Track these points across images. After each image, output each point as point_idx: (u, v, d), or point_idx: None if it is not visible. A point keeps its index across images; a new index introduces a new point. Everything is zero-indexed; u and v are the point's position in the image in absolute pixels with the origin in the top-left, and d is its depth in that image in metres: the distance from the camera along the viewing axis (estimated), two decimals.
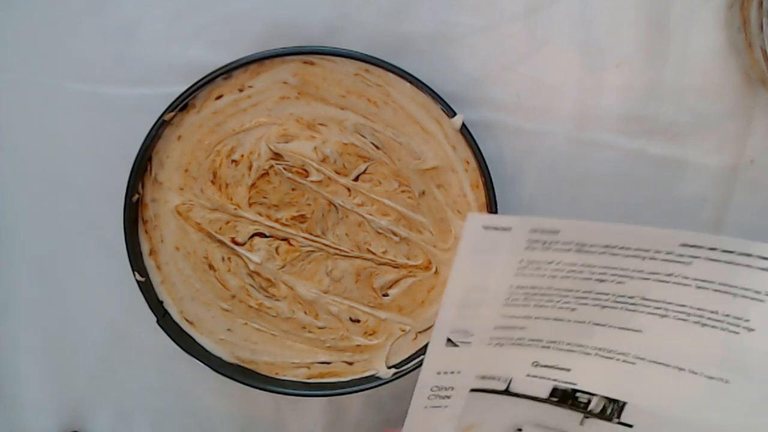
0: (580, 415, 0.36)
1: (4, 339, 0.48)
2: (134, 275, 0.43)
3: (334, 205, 0.43)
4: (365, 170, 0.42)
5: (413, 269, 0.43)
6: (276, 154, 0.42)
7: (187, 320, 0.44)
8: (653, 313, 0.33)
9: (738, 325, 0.32)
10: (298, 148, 0.42)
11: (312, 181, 0.42)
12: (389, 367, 0.44)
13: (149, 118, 0.41)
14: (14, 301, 0.47)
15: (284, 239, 0.43)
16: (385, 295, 0.44)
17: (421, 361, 0.42)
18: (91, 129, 0.45)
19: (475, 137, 0.41)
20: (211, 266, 0.44)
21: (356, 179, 0.42)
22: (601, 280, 0.33)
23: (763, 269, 0.31)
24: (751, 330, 0.32)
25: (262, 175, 0.43)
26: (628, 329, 0.34)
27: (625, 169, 0.44)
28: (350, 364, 0.45)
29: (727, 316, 0.32)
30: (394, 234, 0.43)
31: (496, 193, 0.41)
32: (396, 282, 0.43)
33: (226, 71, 0.40)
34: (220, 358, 0.44)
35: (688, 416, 0.35)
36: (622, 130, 0.43)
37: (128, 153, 0.41)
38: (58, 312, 0.48)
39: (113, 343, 0.48)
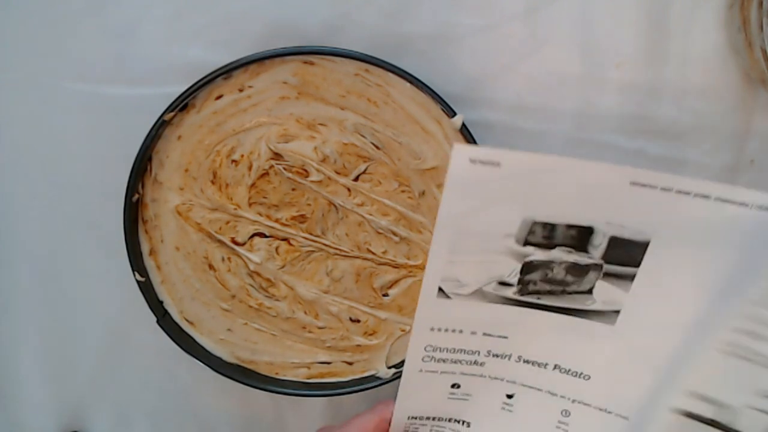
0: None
1: (4, 339, 0.48)
2: (134, 275, 0.43)
3: (334, 205, 0.43)
4: (365, 170, 0.42)
5: (413, 269, 0.43)
6: (276, 154, 0.42)
7: (187, 320, 0.44)
8: None
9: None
10: (298, 148, 0.42)
11: (312, 181, 0.42)
12: (389, 367, 0.44)
13: (149, 118, 0.41)
14: (14, 301, 0.48)
15: (284, 239, 0.43)
16: (385, 295, 0.44)
17: None
18: (91, 129, 0.45)
19: (475, 137, 0.41)
20: (211, 266, 0.44)
21: (356, 179, 0.42)
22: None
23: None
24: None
25: (262, 175, 0.43)
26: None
27: None
28: (350, 364, 0.45)
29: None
30: (394, 234, 0.43)
31: None
32: (396, 282, 0.43)
33: (226, 71, 0.40)
34: (220, 358, 0.44)
35: None
36: (622, 130, 0.43)
37: (128, 153, 0.41)
38: (58, 312, 0.48)
39: (113, 343, 0.48)
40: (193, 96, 0.41)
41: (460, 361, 0.35)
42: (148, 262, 0.44)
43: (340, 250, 0.43)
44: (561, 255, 0.32)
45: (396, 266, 0.43)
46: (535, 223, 0.31)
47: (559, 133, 0.43)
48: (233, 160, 0.43)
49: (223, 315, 0.44)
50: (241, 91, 0.42)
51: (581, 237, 0.31)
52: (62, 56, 0.44)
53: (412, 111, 0.41)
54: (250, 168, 0.42)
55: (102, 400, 0.49)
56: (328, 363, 0.45)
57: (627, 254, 0.31)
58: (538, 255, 0.32)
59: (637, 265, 0.31)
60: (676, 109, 0.43)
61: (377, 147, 0.42)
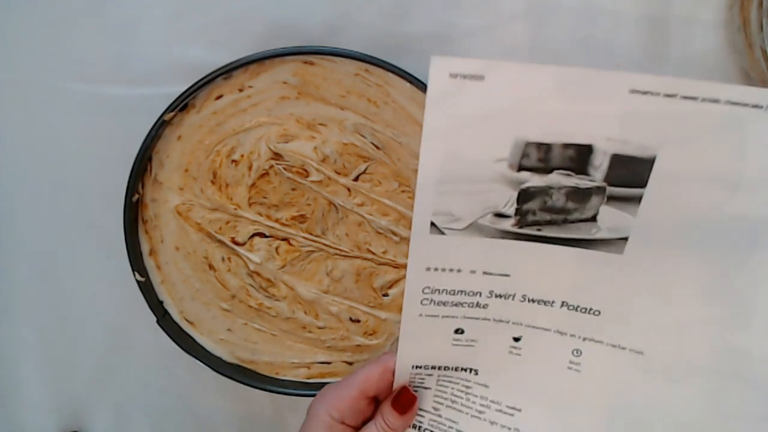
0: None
1: (4, 339, 0.48)
2: (134, 275, 0.43)
3: (334, 205, 0.43)
4: (365, 170, 0.42)
5: None
6: (276, 154, 0.42)
7: (187, 320, 0.44)
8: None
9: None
10: (298, 148, 0.42)
11: (312, 181, 0.42)
12: None
13: (149, 118, 0.41)
14: (14, 301, 0.48)
15: (284, 239, 0.43)
16: (385, 295, 0.44)
17: None
18: (91, 129, 0.45)
19: None
20: (211, 266, 0.44)
21: (356, 179, 0.42)
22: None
23: None
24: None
25: (262, 175, 0.43)
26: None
27: None
28: (350, 364, 0.45)
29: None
30: (394, 234, 0.43)
31: None
32: (396, 282, 0.43)
33: (226, 71, 0.40)
34: (220, 358, 0.44)
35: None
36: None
37: (128, 153, 0.41)
38: (58, 312, 0.48)
39: (113, 343, 0.48)
40: (193, 96, 0.41)
41: (462, 304, 0.32)
42: (148, 262, 0.44)
43: (340, 250, 0.43)
44: (559, 179, 0.29)
45: (396, 266, 0.43)
46: (528, 144, 0.28)
47: None
48: (233, 160, 0.43)
49: (223, 315, 0.44)
50: (241, 91, 0.42)
51: (580, 157, 0.28)
52: (62, 56, 0.44)
53: (412, 111, 0.41)
54: (250, 168, 0.42)
55: (102, 400, 0.49)
56: (328, 363, 0.45)
57: (632, 173, 0.28)
58: (534, 180, 0.29)
59: (644, 185, 0.28)
60: None
61: (377, 147, 0.42)
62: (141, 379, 0.48)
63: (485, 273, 0.31)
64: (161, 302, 0.44)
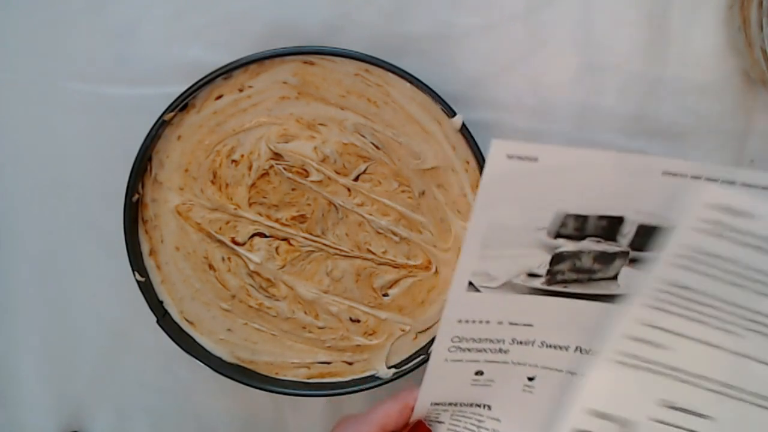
0: None
1: (4, 339, 0.48)
2: (134, 275, 0.43)
3: (334, 205, 0.43)
4: (365, 170, 0.42)
5: (413, 269, 0.43)
6: (276, 154, 0.42)
7: (187, 320, 0.44)
8: None
9: None
10: (298, 148, 0.42)
11: (312, 181, 0.42)
12: (389, 367, 0.44)
13: (149, 118, 0.41)
14: (14, 301, 0.48)
15: (284, 239, 0.43)
16: (385, 295, 0.44)
17: (422, 361, 0.42)
18: (91, 129, 0.45)
19: (475, 137, 0.41)
20: (211, 266, 0.44)
21: (356, 179, 0.42)
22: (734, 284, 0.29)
23: None
24: None
25: (262, 175, 0.43)
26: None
27: None
28: (350, 364, 0.45)
29: None
30: (394, 234, 0.43)
31: None
32: (396, 282, 0.43)
33: (226, 71, 0.40)
34: (220, 358, 0.44)
35: None
36: (622, 130, 0.43)
37: (128, 153, 0.41)
38: (58, 312, 0.48)
39: (113, 343, 0.48)
40: (193, 96, 0.41)
41: (486, 350, 0.34)
42: (148, 262, 0.44)
43: (340, 250, 0.43)
44: (590, 245, 0.32)
45: (396, 266, 0.43)
46: (567, 216, 0.31)
47: (559, 133, 0.43)
48: (233, 160, 0.43)
49: (223, 315, 0.44)
50: (241, 91, 0.42)
51: (611, 227, 0.31)
52: (62, 56, 0.44)
53: (412, 111, 0.41)
54: (250, 168, 0.42)
55: (102, 400, 0.49)
56: (328, 363, 0.45)
57: (653, 240, 0.31)
58: (568, 246, 0.32)
59: (661, 249, 0.31)
60: (676, 109, 0.43)
61: (377, 147, 0.42)
62: (141, 379, 0.48)
63: (511, 323, 0.34)
64: (161, 302, 0.44)
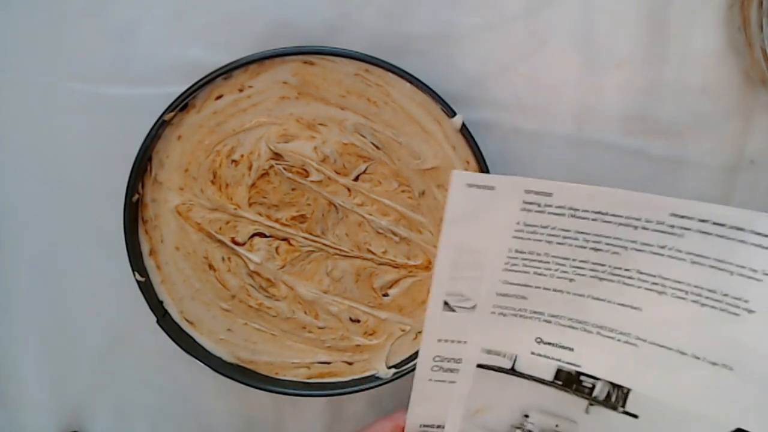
0: (585, 402, 0.36)
1: (4, 339, 0.48)
2: (134, 275, 0.43)
3: (334, 205, 0.43)
4: (365, 170, 0.42)
5: (413, 269, 0.43)
6: (276, 154, 0.42)
7: (187, 320, 0.44)
8: (651, 289, 0.33)
9: (738, 306, 0.31)
10: (298, 148, 0.42)
11: (312, 181, 0.42)
12: (389, 367, 0.44)
13: (149, 118, 0.41)
14: (14, 301, 0.48)
15: (284, 239, 0.43)
16: (385, 295, 0.44)
17: None
18: (91, 129, 0.45)
19: (475, 137, 0.41)
20: (211, 266, 0.44)
21: (356, 179, 0.42)
22: (596, 249, 0.33)
23: (757, 245, 0.30)
24: (751, 312, 0.31)
25: (262, 175, 0.43)
26: (627, 306, 0.34)
27: (625, 169, 0.44)
28: (350, 364, 0.45)
29: (726, 295, 0.31)
30: (394, 234, 0.43)
31: None
32: (396, 282, 0.43)
33: (226, 71, 0.40)
34: (220, 358, 0.44)
35: (694, 409, 0.34)
36: (622, 130, 0.43)
37: (128, 153, 0.41)
38: (58, 312, 0.48)
39: (113, 343, 0.48)
40: (193, 96, 0.41)
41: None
42: (148, 262, 0.44)
43: (340, 250, 0.43)
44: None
45: (396, 266, 0.43)
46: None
47: (559, 133, 0.43)
48: (233, 160, 0.43)
49: (223, 315, 0.44)
50: (241, 91, 0.42)
51: None
52: (62, 56, 0.44)
53: (412, 111, 0.41)
54: (250, 168, 0.42)
55: (102, 400, 0.49)
56: (328, 363, 0.45)
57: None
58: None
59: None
60: (676, 109, 0.43)
61: (377, 147, 0.42)
62: (141, 379, 0.48)
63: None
64: (161, 302, 0.44)
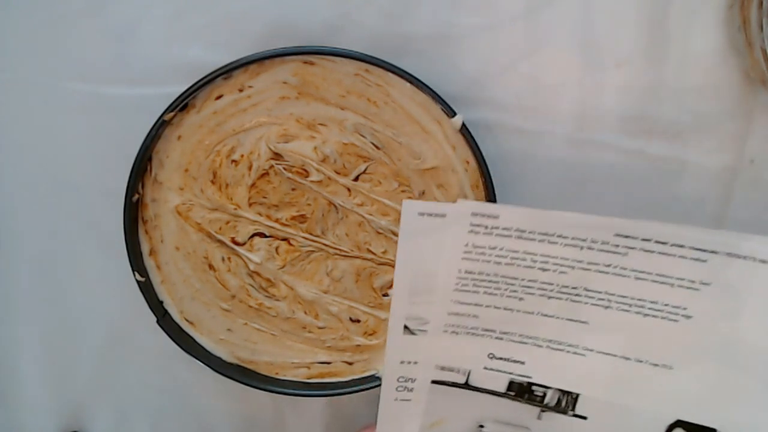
0: (537, 409, 0.37)
1: (4, 339, 0.48)
2: (134, 275, 0.43)
3: (334, 205, 0.43)
4: (365, 170, 0.42)
5: None
6: (276, 154, 0.42)
7: (187, 320, 0.44)
8: (597, 305, 0.34)
9: (677, 314, 0.33)
10: (298, 148, 0.42)
11: (312, 181, 0.42)
12: None
13: (149, 118, 0.41)
14: (14, 301, 0.48)
15: (284, 239, 0.43)
16: (385, 295, 0.44)
17: None
18: (91, 129, 0.45)
19: (475, 137, 0.41)
20: (211, 266, 0.44)
21: (356, 179, 0.42)
22: (544, 269, 0.34)
23: (695, 260, 0.32)
24: (689, 317, 0.33)
25: (262, 175, 0.43)
26: (575, 320, 0.35)
27: (625, 169, 0.44)
28: (350, 364, 0.45)
29: (666, 305, 0.33)
30: (394, 234, 0.43)
31: (496, 193, 0.41)
32: None
33: (226, 71, 0.40)
34: (220, 358, 0.44)
35: (638, 405, 0.36)
36: (622, 130, 0.43)
37: (128, 153, 0.41)
38: (58, 312, 0.48)
39: (113, 343, 0.48)
40: (193, 96, 0.41)
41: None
42: (148, 262, 0.44)
43: (340, 250, 0.43)
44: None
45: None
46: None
47: (559, 133, 0.43)
48: (233, 160, 0.43)
49: (223, 315, 0.44)
50: (241, 91, 0.42)
51: None
52: (62, 56, 0.44)
53: (412, 111, 0.41)
54: (250, 168, 0.42)
55: (102, 400, 0.49)
56: (328, 363, 0.45)
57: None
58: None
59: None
60: (676, 109, 0.43)
61: (377, 147, 0.42)
62: (141, 379, 0.48)
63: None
64: (161, 302, 0.44)
